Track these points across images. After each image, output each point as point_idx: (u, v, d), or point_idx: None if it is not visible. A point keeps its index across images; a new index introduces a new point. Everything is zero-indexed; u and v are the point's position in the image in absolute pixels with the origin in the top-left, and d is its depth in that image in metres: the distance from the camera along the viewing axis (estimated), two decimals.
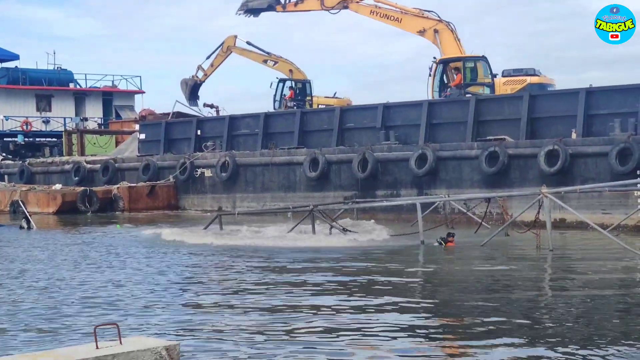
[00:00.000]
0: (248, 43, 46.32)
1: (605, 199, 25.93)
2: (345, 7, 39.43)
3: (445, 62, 36.44)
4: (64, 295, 15.12)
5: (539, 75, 34.72)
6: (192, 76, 48.58)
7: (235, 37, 46.58)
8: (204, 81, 48.60)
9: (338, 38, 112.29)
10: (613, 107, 28.14)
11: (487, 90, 35.14)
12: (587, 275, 16.94)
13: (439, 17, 37.13)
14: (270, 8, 43.41)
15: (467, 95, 34.35)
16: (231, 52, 46.81)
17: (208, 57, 47.49)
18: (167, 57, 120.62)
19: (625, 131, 26.75)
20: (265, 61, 45.84)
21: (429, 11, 37.52)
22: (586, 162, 27.26)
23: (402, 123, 33.73)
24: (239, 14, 44.36)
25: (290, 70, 44.81)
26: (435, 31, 36.90)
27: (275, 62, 45.43)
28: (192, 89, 47.96)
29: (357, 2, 38.71)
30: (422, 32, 37.02)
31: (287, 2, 41.93)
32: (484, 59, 35.80)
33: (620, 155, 26.02)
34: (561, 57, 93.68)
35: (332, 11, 39.83)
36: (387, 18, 38.17)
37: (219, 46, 46.97)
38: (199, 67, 48.28)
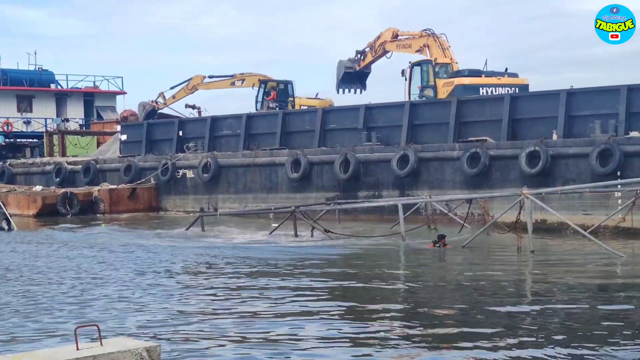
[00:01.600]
0: (210, 76, 46.31)
1: (586, 200, 26.03)
2: (385, 51, 39.89)
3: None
4: (47, 296, 15.06)
5: (478, 77, 35.14)
6: (151, 101, 48.33)
7: (204, 77, 46.51)
8: (162, 109, 48.49)
9: (320, 38, 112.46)
10: (594, 109, 28.23)
11: (431, 93, 36.11)
12: (567, 277, 17.01)
13: (430, 33, 37.47)
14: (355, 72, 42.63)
15: (422, 99, 35.63)
16: (197, 89, 46.83)
17: (172, 88, 47.33)
18: (150, 57, 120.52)
19: (606, 132, 26.84)
20: (232, 83, 45.75)
21: (427, 29, 37.91)
22: (567, 163, 27.36)
23: (384, 124, 33.75)
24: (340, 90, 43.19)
25: (259, 80, 44.69)
26: (427, 46, 37.27)
27: (243, 80, 45.34)
28: (148, 114, 47.75)
29: (390, 41, 39.34)
30: (420, 51, 37.62)
31: (360, 61, 41.73)
32: (431, 62, 36.54)
33: (601, 157, 26.13)
34: (543, 57, 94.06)
35: (386, 56, 40.25)
36: (404, 47, 38.89)
37: (186, 81, 46.82)
38: (161, 94, 48.06)
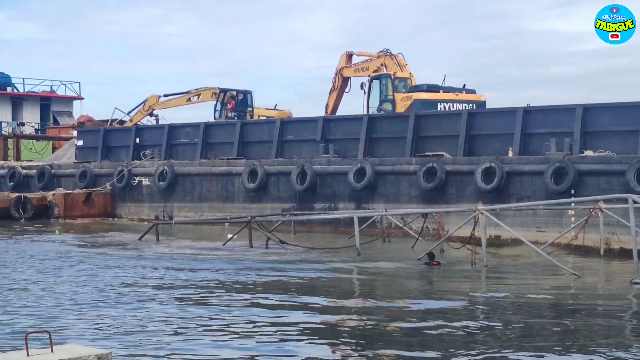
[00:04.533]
0: (165, 95, 45.98)
1: (539, 217, 26.26)
2: (342, 75, 39.92)
3: None
4: (4, 301, 14.93)
5: (436, 92, 35.47)
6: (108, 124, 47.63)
7: (159, 97, 46.13)
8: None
9: (279, 49, 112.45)
10: (549, 127, 28.52)
11: (389, 107, 36.35)
12: (519, 292, 17.14)
13: (387, 52, 37.75)
14: None
15: (381, 112, 35.81)
16: (153, 109, 46.39)
17: (129, 114, 46.73)
18: (107, 63, 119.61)
19: (561, 151, 27.12)
20: (188, 99, 45.45)
21: (384, 50, 38.12)
22: (522, 180, 27.59)
23: (342, 137, 33.82)
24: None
25: (216, 93, 44.49)
26: (384, 65, 37.55)
27: (198, 95, 45.08)
28: None
29: (346, 67, 39.44)
30: (377, 71, 37.80)
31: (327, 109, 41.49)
32: (389, 76, 36.80)
33: (556, 174, 26.38)
34: (500, 74, 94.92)
35: (345, 91, 40.17)
36: (362, 70, 39.01)
37: (141, 103, 46.34)
38: (119, 120, 47.40)
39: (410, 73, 37.08)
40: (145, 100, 46.19)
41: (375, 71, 37.95)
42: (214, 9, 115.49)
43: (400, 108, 35.42)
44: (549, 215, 26.09)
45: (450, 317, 14.19)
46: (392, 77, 36.60)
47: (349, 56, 39.64)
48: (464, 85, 36.70)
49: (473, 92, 36.53)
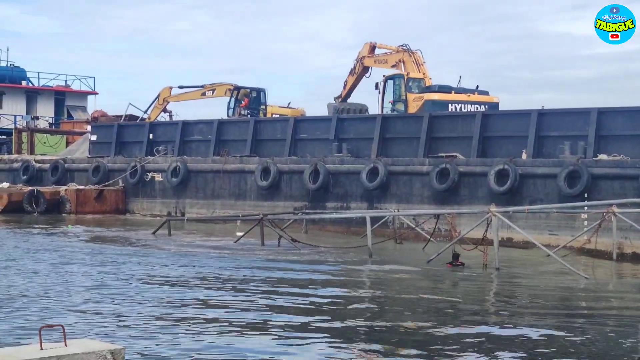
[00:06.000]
0: (180, 87, 46.01)
1: (552, 220, 26.22)
2: (365, 67, 39.86)
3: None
4: (15, 297, 14.97)
5: (448, 93, 35.30)
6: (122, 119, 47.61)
7: (171, 88, 46.16)
8: None
9: (293, 48, 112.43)
10: (564, 130, 28.46)
11: (402, 107, 36.17)
12: (531, 295, 17.11)
13: (406, 48, 37.63)
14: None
15: (394, 112, 35.63)
16: (168, 102, 46.44)
17: (145, 112, 46.75)
18: (121, 59, 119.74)
19: (575, 154, 27.07)
20: (203, 94, 45.47)
21: (403, 45, 38.02)
22: (535, 182, 27.54)
23: (355, 136, 33.82)
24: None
25: (230, 89, 44.50)
26: (402, 61, 37.36)
27: (213, 90, 45.10)
28: None
29: (367, 56, 39.40)
30: (395, 66, 37.68)
31: (341, 93, 41.51)
32: (402, 76, 36.58)
33: (569, 178, 26.32)
34: (513, 76, 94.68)
35: (366, 76, 40.19)
36: (381, 62, 38.93)
37: (155, 98, 46.46)
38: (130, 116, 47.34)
39: (424, 74, 36.91)
40: (159, 94, 46.28)
41: (393, 65, 37.85)
42: (228, 6, 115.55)
43: (412, 108, 35.35)
44: (562, 219, 26.04)
45: (465, 320, 14.18)
46: (406, 77, 36.52)
47: (372, 48, 39.54)
48: (477, 87, 36.59)
49: (486, 93, 36.41)
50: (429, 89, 35.96)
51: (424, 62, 37.38)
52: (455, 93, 35.54)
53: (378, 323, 13.71)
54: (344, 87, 40.69)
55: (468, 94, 35.58)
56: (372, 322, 13.79)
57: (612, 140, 27.51)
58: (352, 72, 40.27)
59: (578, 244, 24.35)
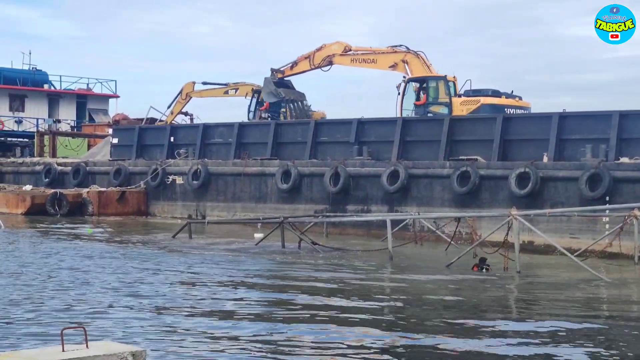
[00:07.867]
0: (204, 83, 46.11)
1: (573, 223, 26.10)
2: (330, 63, 39.76)
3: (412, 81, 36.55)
4: (34, 298, 15.05)
5: (499, 97, 34.71)
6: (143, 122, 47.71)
7: (194, 83, 46.30)
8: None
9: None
10: (585, 133, 28.35)
11: (445, 110, 34.99)
12: (552, 299, 17.06)
13: (407, 49, 37.28)
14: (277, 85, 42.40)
15: (429, 115, 34.76)
16: (191, 97, 46.55)
17: (169, 107, 46.85)
18: (142, 62, 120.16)
19: (596, 157, 26.95)
20: (226, 92, 45.57)
21: (398, 46, 37.66)
22: (556, 186, 27.45)
23: (376, 139, 33.80)
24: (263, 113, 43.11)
25: (252, 89, 44.56)
26: (405, 62, 36.99)
27: (236, 89, 45.20)
28: None
29: (340, 55, 39.21)
30: (393, 67, 37.28)
31: (283, 69, 41.69)
32: (444, 78, 35.83)
33: (590, 181, 26.23)
34: (531, 80, 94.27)
35: (323, 69, 40.17)
36: (365, 62, 38.66)
37: (178, 94, 46.58)
38: (150, 119, 47.41)
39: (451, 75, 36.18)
40: (181, 90, 46.40)
41: (391, 67, 37.43)
42: (247, 10, 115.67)
43: (460, 111, 34.13)
44: (583, 222, 25.93)
45: (478, 321, 14.16)
46: (447, 79, 35.58)
47: (346, 50, 39.18)
48: (512, 91, 35.88)
49: (520, 98, 35.91)
50: (482, 93, 34.85)
51: (431, 64, 36.88)
52: (505, 98, 34.79)
53: (396, 334, 13.71)
54: (291, 67, 40.82)
55: (516, 99, 35.05)
56: (390, 332, 13.78)
57: (634, 144, 27.39)
58: (310, 59, 40.06)
59: (600, 247, 24.23)
